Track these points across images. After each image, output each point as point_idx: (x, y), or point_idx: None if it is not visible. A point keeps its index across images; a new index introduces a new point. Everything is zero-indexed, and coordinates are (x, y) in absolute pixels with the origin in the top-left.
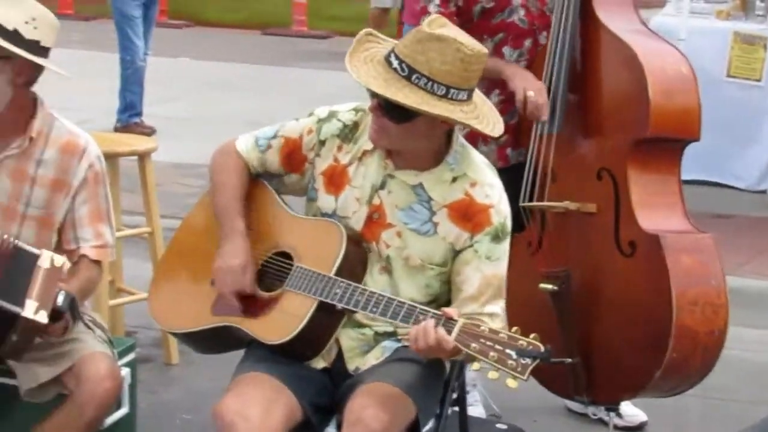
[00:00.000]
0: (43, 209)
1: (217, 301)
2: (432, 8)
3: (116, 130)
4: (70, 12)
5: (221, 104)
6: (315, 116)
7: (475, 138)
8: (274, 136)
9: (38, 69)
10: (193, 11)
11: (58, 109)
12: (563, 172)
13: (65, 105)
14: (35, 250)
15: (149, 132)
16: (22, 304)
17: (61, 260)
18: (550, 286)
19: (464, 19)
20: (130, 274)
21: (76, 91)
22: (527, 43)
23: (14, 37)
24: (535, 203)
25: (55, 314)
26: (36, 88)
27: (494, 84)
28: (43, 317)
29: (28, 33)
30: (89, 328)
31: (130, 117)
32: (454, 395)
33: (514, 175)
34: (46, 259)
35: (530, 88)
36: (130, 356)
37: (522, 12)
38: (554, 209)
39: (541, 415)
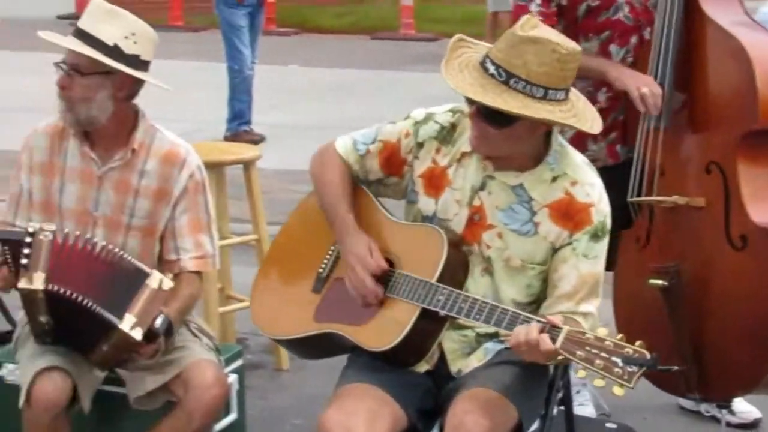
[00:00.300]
0: (146, 219)
1: (320, 308)
2: (533, 7)
3: (226, 139)
4: (180, 24)
5: (331, 110)
6: (412, 119)
7: (585, 136)
8: (373, 141)
9: (139, 83)
10: (301, 18)
11: (169, 120)
12: (671, 166)
13: (176, 116)
14: (147, 269)
15: (258, 140)
16: (120, 317)
17: (169, 284)
18: (660, 282)
19: (569, 19)
20: (240, 281)
21: (186, 102)
22: (633, 39)
23: (115, 52)
24: (643, 198)
25: (150, 335)
26: (146, 100)
27: (602, 82)
28: (137, 334)
29: (128, 48)
30: (196, 336)
31: (239, 126)
32: (559, 395)
33: (625, 172)
34: (155, 279)
35: (642, 85)
36: (238, 363)
37: (627, 9)
38: (663, 204)
39: (652, 412)
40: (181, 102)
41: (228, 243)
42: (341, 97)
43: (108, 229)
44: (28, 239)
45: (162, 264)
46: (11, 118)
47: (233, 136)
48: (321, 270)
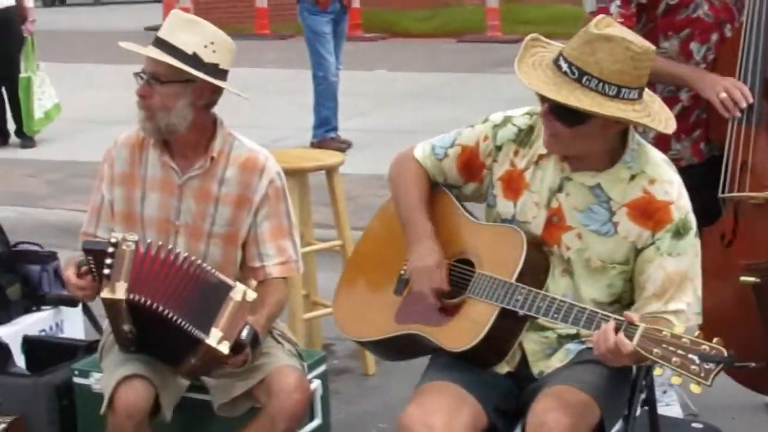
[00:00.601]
0: (227, 227)
1: (400, 310)
2: (613, 9)
3: (312, 145)
4: (267, 32)
5: (417, 114)
6: (490, 122)
7: (669, 135)
8: (451, 145)
9: (217, 91)
10: (387, 23)
11: (257, 127)
12: (761, 162)
13: (264, 123)
14: (230, 282)
15: (345, 146)
16: (207, 332)
17: (252, 296)
18: (752, 279)
19: (648, 18)
20: (325, 287)
21: (274, 110)
22: (714, 37)
23: (194, 60)
24: (736, 194)
25: (237, 347)
26: (233, 108)
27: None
28: (224, 348)
29: (207, 56)
30: (278, 342)
31: (325, 132)
32: (643, 395)
33: (709, 169)
34: (239, 292)
35: (721, 89)
36: (321, 368)
37: (706, 6)
38: (754, 200)
39: (741, 412)
40: (269, 109)
41: (312, 249)
42: (427, 102)
43: (189, 238)
44: (110, 249)
45: (245, 271)
46: (101, 130)
47: (320, 143)
48: (402, 272)
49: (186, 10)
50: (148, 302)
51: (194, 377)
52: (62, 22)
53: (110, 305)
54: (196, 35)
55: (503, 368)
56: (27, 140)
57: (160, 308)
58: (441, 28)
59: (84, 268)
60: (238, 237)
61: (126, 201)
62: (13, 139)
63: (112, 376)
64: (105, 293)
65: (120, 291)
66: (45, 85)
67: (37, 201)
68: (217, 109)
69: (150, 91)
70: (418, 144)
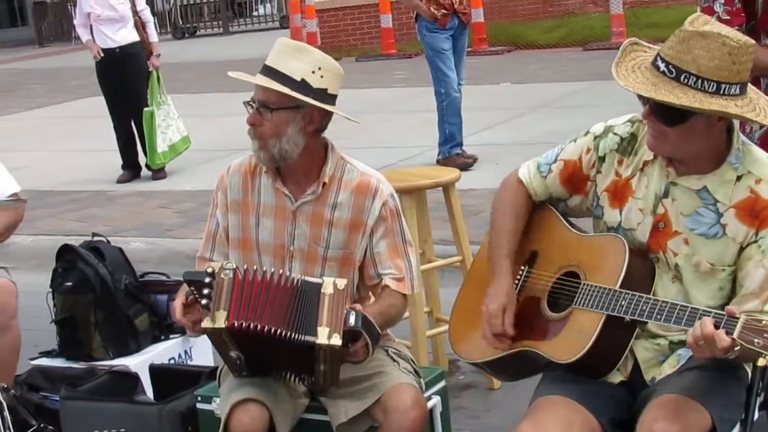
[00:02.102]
0: (342, 250)
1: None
2: (717, 7)
3: (438, 162)
4: (393, 51)
5: (544, 125)
6: (591, 134)
7: None
8: (555, 160)
9: (327, 116)
10: (512, 35)
11: (383, 147)
12: None
13: (390, 142)
14: (317, 280)
15: (471, 161)
16: (314, 333)
17: (343, 283)
18: None
19: (748, 14)
20: (448, 302)
21: (401, 128)
22: None
23: (302, 86)
24: None
25: (351, 335)
26: (358, 129)
27: None
28: (336, 340)
29: (315, 82)
30: (394, 360)
31: (451, 148)
32: (760, 399)
33: None
34: (329, 284)
35: None
36: (440, 385)
37: None
38: None
39: None
40: (396, 129)
41: (433, 266)
42: (554, 112)
43: (305, 262)
44: (207, 279)
45: (363, 292)
46: (230, 159)
47: (445, 160)
48: None
49: (312, 35)
50: (250, 326)
51: (331, 383)
52: (193, 53)
53: (212, 334)
54: (304, 61)
55: (616, 377)
56: (157, 172)
57: (265, 329)
58: (566, 37)
59: (190, 298)
60: (353, 260)
61: (241, 228)
62: (145, 171)
63: (227, 401)
64: (205, 323)
65: (220, 320)
66: (171, 118)
67: (167, 231)
68: (345, 132)
69: (260, 119)
70: (524, 164)
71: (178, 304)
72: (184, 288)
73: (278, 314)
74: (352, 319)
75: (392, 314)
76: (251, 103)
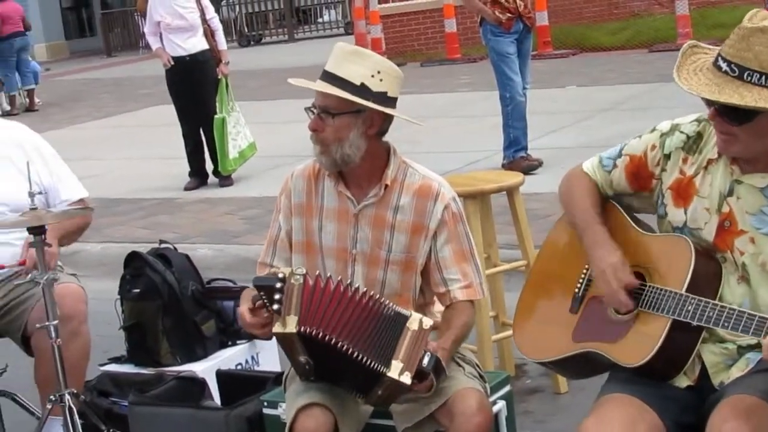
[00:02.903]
0: (404, 253)
1: (577, 328)
2: None
3: (503, 166)
4: (458, 56)
5: (609, 128)
6: (657, 131)
7: None
8: (619, 155)
9: (388, 119)
10: (578, 38)
11: (450, 151)
12: None
13: (457, 147)
14: (405, 312)
15: (536, 165)
16: (388, 364)
17: (429, 323)
18: None
19: None
20: (513, 306)
21: (467, 133)
22: None
23: (362, 90)
24: None
25: (420, 375)
26: (423, 133)
27: None
28: (406, 379)
29: (374, 86)
30: (459, 365)
31: (515, 152)
32: None
33: None
34: (415, 321)
35: None
36: (506, 389)
37: None
38: None
39: None
40: (462, 133)
41: (498, 270)
42: (619, 114)
43: (367, 266)
44: (279, 285)
45: (427, 297)
46: (296, 165)
47: (510, 164)
48: (577, 290)
49: (377, 41)
50: (320, 334)
51: (382, 407)
52: (258, 60)
53: (283, 339)
54: (363, 66)
55: (683, 381)
56: (224, 179)
57: (334, 340)
58: (632, 39)
59: (258, 303)
60: (416, 263)
61: (304, 231)
62: (212, 178)
63: (292, 405)
64: (276, 328)
65: (290, 325)
66: (240, 125)
67: (234, 238)
68: (410, 136)
69: (322, 125)
70: (587, 160)
71: (245, 309)
72: (247, 294)
73: (355, 332)
74: (426, 361)
75: (466, 333)
76: (312, 109)
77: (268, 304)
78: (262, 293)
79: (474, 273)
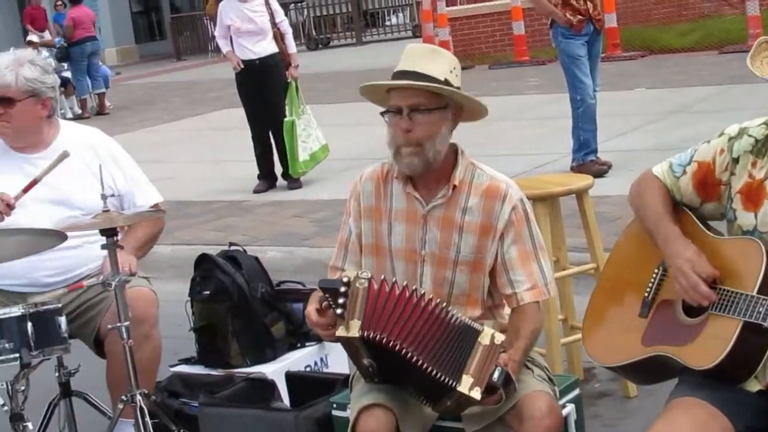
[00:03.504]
0: (473, 254)
1: (646, 332)
2: None
3: (572, 169)
4: (526, 59)
5: (678, 131)
6: (725, 135)
7: None
8: (689, 162)
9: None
10: (647, 40)
11: (517, 154)
12: None
13: (525, 150)
14: (478, 326)
15: (606, 168)
16: (458, 379)
17: (501, 338)
18: None
19: None
20: (583, 310)
21: (535, 136)
22: None
23: (448, 86)
24: None
25: (490, 389)
26: (490, 136)
27: None
28: (476, 394)
29: (454, 81)
30: (528, 368)
31: (585, 155)
32: None
33: None
34: (487, 336)
35: None
36: (575, 392)
37: None
38: None
39: None
40: (530, 136)
41: (567, 273)
42: (688, 117)
43: (436, 267)
44: (343, 288)
45: (495, 298)
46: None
47: (580, 167)
48: (646, 294)
49: (445, 43)
50: (384, 340)
51: (448, 416)
52: (327, 63)
53: (346, 342)
54: (442, 63)
55: (754, 386)
56: (293, 182)
57: (399, 347)
58: (702, 41)
59: (324, 304)
60: (484, 264)
61: (374, 234)
62: (281, 181)
63: (355, 406)
64: (339, 331)
65: (353, 329)
66: (310, 128)
67: (303, 240)
68: (479, 139)
69: (413, 125)
70: (657, 165)
71: (311, 310)
72: (316, 295)
73: (424, 342)
74: (496, 375)
75: (534, 341)
76: (395, 111)
77: (333, 306)
78: (327, 295)
79: (540, 274)
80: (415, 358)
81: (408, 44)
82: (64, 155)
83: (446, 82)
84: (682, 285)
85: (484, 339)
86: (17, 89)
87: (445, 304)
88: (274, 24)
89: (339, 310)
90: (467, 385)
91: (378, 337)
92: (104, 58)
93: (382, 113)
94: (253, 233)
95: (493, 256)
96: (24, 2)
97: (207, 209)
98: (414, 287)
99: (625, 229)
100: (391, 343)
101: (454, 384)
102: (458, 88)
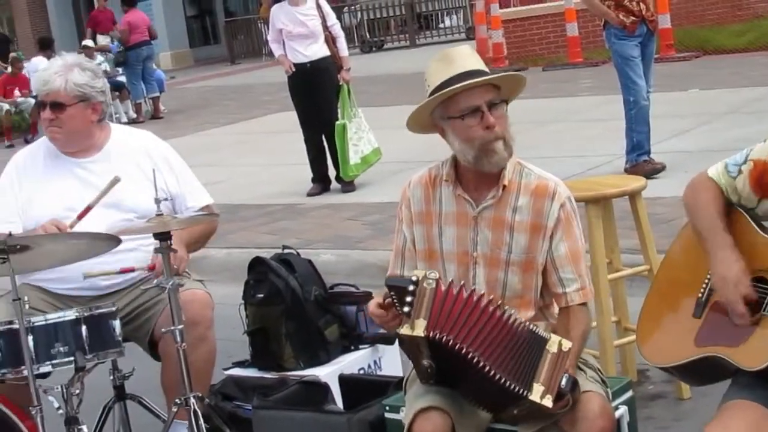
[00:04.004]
0: (524, 254)
1: (700, 333)
2: None
3: (626, 171)
4: (580, 60)
5: (732, 132)
6: None
7: None
8: (744, 161)
9: None
10: (701, 40)
11: (571, 156)
12: None
13: (579, 151)
14: (545, 335)
15: (659, 169)
16: (529, 388)
17: (568, 345)
18: None
19: None
20: (636, 312)
21: (589, 137)
22: None
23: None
24: None
25: (558, 396)
26: (546, 137)
27: None
28: (548, 402)
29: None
30: (581, 369)
31: (638, 156)
32: None
33: None
34: (554, 343)
35: None
36: (628, 394)
37: None
38: None
39: None
40: (584, 137)
41: (620, 275)
42: (742, 118)
43: (488, 268)
44: (411, 287)
45: (546, 298)
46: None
47: (633, 168)
48: (700, 295)
49: (498, 46)
50: (450, 342)
51: (513, 422)
52: (380, 66)
53: (409, 341)
54: (478, 59)
55: None
56: (347, 185)
57: (464, 350)
58: (756, 41)
59: (387, 301)
60: (535, 263)
61: (426, 239)
62: (335, 184)
63: (411, 408)
64: (404, 330)
65: (419, 328)
66: (362, 131)
67: (357, 243)
68: (532, 141)
69: (494, 121)
70: (712, 166)
71: (373, 303)
72: (380, 293)
73: (491, 348)
74: (563, 382)
75: (584, 344)
76: (473, 111)
77: (397, 305)
78: (392, 293)
79: (587, 274)
80: (482, 363)
81: (438, 52)
82: (115, 180)
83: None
84: (721, 298)
85: (552, 347)
86: (67, 94)
87: (513, 311)
88: (325, 27)
89: (406, 308)
90: (539, 394)
91: (444, 338)
92: (159, 63)
93: (453, 118)
94: (306, 236)
95: (544, 255)
96: (79, 7)
97: (261, 212)
98: (482, 292)
99: (680, 232)
100: (458, 346)
101: (525, 392)
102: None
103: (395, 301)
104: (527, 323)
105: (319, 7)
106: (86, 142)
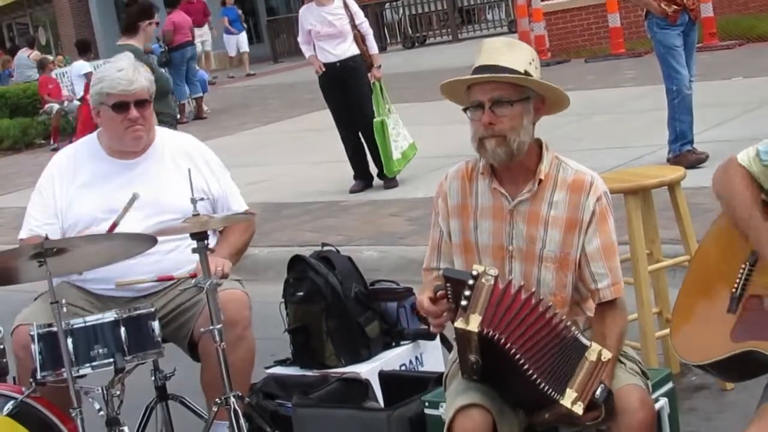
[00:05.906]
0: (558, 250)
1: (735, 328)
2: None
3: (669, 161)
4: (622, 51)
5: None
6: None
7: None
8: None
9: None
10: (745, 29)
11: (614, 147)
12: None
13: (622, 142)
14: (586, 342)
15: (703, 158)
16: (562, 392)
17: (608, 356)
18: None
19: None
20: None
21: (632, 128)
22: None
23: (528, 76)
24: None
25: (591, 406)
26: (588, 129)
27: None
28: (579, 409)
29: (534, 72)
30: (621, 361)
31: (681, 146)
32: None
33: None
34: (594, 352)
35: None
36: (668, 386)
37: None
38: None
39: None
40: (627, 128)
41: (661, 266)
42: None
43: (523, 262)
44: (471, 281)
45: (580, 294)
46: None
47: (676, 158)
48: (734, 289)
49: (540, 38)
50: (502, 340)
51: (543, 426)
52: (423, 61)
53: (461, 335)
54: (521, 55)
55: None
56: (389, 181)
57: (514, 351)
58: None
59: (440, 293)
60: (570, 260)
61: (462, 232)
62: (377, 180)
63: (451, 405)
64: (459, 323)
65: (473, 323)
66: (399, 127)
67: (400, 239)
68: (576, 133)
69: (495, 117)
70: (741, 151)
71: (424, 298)
72: (427, 285)
73: (536, 350)
74: (598, 392)
75: (622, 342)
76: (477, 106)
77: (451, 297)
78: (448, 285)
79: (618, 269)
80: (523, 361)
81: (484, 40)
82: (134, 198)
83: (526, 73)
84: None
85: (591, 355)
86: (148, 92)
87: (564, 316)
88: (354, 26)
89: (463, 302)
90: (570, 399)
91: (497, 336)
92: (202, 63)
93: (464, 109)
94: (349, 233)
95: (579, 251)
96: (121, 8)
97: (304, 210)
98: (541, 297)
99: (711, 226)
100: (508, 345)
101: (557, 396)
102: (539, 78)
103: (449, 293)
104: (574, 328)
105: (346, 6)
106: None
